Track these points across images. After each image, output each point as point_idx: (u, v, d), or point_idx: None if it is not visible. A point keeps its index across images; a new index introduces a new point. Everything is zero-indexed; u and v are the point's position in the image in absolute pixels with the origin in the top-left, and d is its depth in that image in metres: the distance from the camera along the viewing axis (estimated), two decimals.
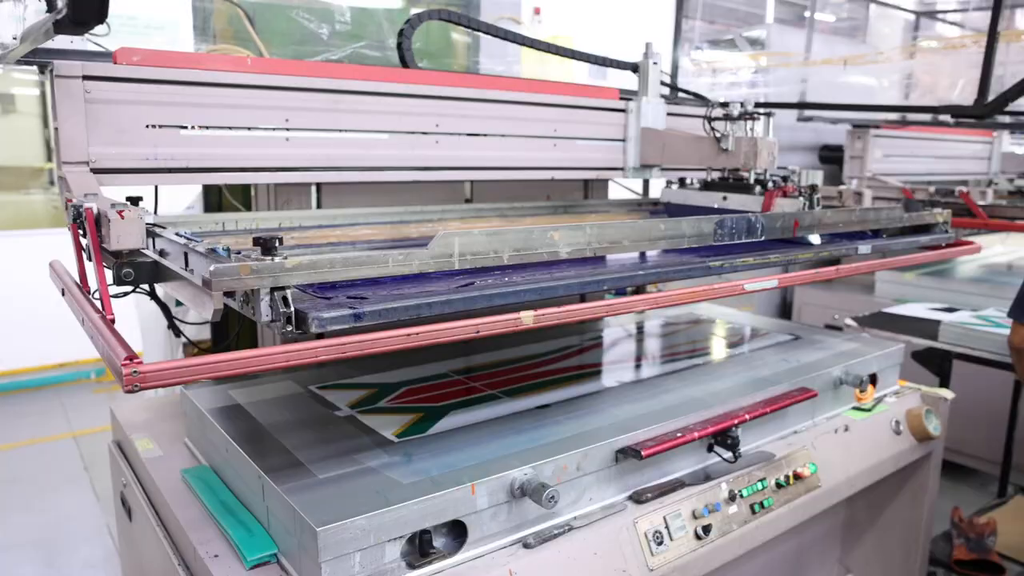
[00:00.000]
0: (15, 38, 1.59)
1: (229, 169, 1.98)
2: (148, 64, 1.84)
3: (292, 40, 2.78)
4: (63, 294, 1.49)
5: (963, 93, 4.41)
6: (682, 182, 2.76)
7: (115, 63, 1.81)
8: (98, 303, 1.28)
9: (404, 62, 2.32)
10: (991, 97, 2.95)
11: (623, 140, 2.79)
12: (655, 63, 2.77)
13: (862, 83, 4.91)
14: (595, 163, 2.72)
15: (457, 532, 1.38)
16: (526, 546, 1.43)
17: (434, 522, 1.33)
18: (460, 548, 1.38)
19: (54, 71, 1.72)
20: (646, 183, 3.20)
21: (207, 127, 1.92)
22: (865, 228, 2.20)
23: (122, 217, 1.24)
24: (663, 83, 2.86)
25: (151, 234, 1.40)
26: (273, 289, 1.12)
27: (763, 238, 1.87)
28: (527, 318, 1.26)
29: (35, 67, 1.95)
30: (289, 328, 1.12)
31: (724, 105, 2.47)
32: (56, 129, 1.75)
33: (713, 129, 2.46)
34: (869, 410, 2.23)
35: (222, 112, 1.94)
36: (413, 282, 1.37)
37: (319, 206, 2.32)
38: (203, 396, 1.85)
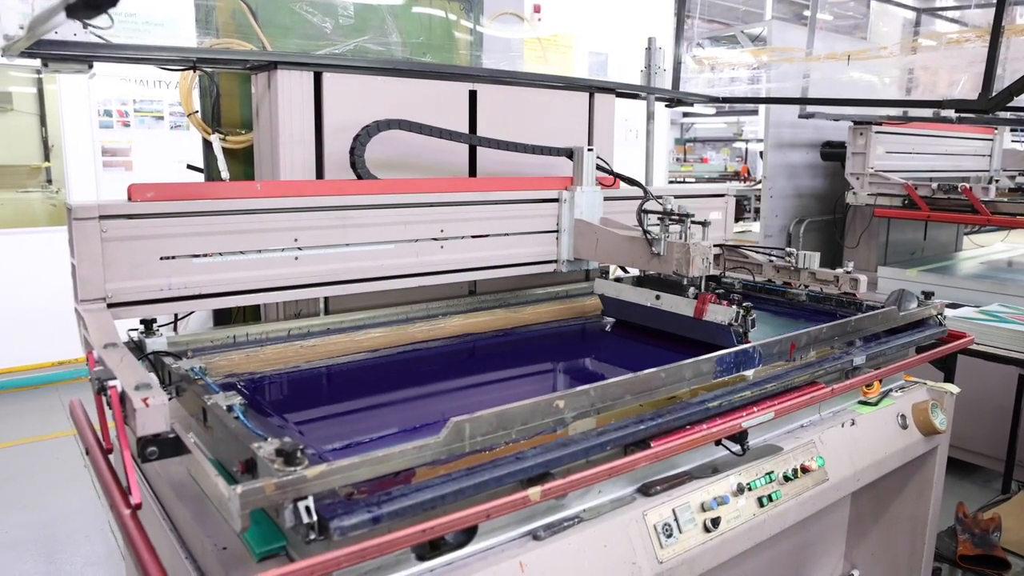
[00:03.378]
0: (21, 28, 1.58)
1: (241, 292, 2.00)
2: (161, 198, 1.86)
3: (295, 35, 2.76)
4: (87, 453, 1.49)
5: (964, 90, 4.40)
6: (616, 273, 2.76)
7: (130, 200, 1.83)
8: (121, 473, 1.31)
9: (357, 173, 2.24)
10: (995, 92, 2.93)
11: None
12: (590, 149, 2.53)
13: (864, 80, 4.91)
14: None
15: None
16: (536, 538, 1.43)
17: None
18: (470, 540, 1.37)
19: (72, 214, 1.74)
20: None
21: (220, 254, 1.93)
22: (859, 336, 2.21)
23: (147, 405, 1.23)
24: (599, 168, 2.59)
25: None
26: (296, 499, 1.13)
27: (760, 366, 1.89)
28: (534, 494, 1.32)
29: (37, 60, 1.95)
30: (311, 536, 1.14)
31: (659, 198, 2.28)
32: (73, 266, 1.77)
33: (646, 232, 2.25)
34: (875, 404, 2.23)
35: (233, 238, 1.96)
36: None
37: (327, 311, 2.35)
38: None
